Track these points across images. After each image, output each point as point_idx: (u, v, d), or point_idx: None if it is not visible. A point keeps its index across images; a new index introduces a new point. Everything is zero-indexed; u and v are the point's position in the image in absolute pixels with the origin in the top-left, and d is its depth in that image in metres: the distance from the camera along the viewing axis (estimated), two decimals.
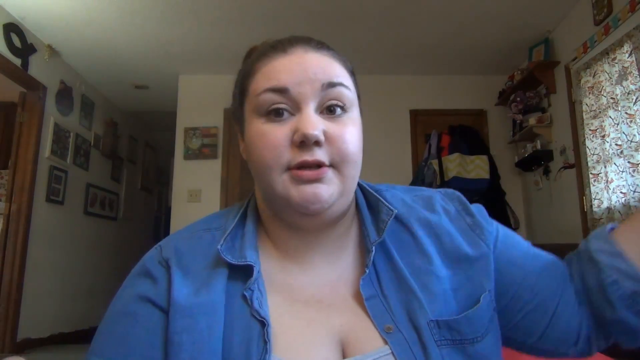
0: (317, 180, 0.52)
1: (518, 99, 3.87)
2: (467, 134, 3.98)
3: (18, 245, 3.50)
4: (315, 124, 0.52)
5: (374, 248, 0.57)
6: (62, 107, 4.03)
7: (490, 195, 3.75)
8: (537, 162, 3.84)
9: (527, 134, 3.84)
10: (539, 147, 3.71)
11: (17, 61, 3.46)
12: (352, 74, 0.61)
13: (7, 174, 3.88)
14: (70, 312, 4.18)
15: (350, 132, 0.55)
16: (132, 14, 3.37)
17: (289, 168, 0.53)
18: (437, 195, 0.65)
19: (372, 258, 0.57)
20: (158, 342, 0.52)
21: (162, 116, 5.36)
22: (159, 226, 6.60)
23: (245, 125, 0.58)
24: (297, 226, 0.58)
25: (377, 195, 0.62)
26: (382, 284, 0.56)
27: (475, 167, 3.76)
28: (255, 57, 0.59)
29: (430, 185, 3.88)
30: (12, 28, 3.41)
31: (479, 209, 0.64)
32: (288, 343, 0.52)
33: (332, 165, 0.53)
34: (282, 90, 0.54)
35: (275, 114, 0.54)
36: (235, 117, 0.62)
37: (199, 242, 0.59)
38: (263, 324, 0.51)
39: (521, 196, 4.20)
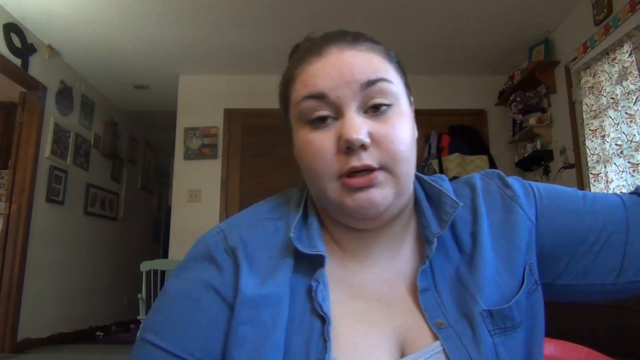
0: (370, 185, 0.51)
1: (518, 99, 3.87)
2: (467, 134, 3.98)
3: (18, 245, 3.50)
4: (358, 127, 0.51)
5: (435, 240, 0.56)
6: (62, 107, 4.03)
7: None
8: (537, 162, 3.84)
9: (527, 134, 3.84)
10: (539, 147, 3.71)
11: (17, 61, 3.46)
12: (397, 62, 0.58)
13: (7, 174, 3.88)
14: (70, 312, 4.18)
15: (398, 129, 0.53)
16: (132, 14, 3.37)
17: (339, 176, 0.52)
18: (477, 176, 0.64)
19: (433, 250, 0.55)
20: (218, 334, 0.51)
21: (162, 116, 5.36)
22: (159, 226, 6.61)
23: (292, 132, 0.58)
24: (355, 228, 0.57)
25: (439, 187, 0.61)
26: (436, 278, 0.55)
27: (475, 167, 3.76)
28: (293, 62, 0.58)
29: None
30: (12, 28, 3.41)
31: (517, 181, 0.63)
32: (348, 344, 0.51)
33: (382, 168, 0.52)
34: (320, 96, 0.53)
35: (318, 121, 0.53)
36: (284, 123, 0.62)
37: (263, 232, 0.57)
38: (324, 320, 0.50)
39: None
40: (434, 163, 3.85)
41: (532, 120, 3.73)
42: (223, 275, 0.53)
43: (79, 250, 4.36)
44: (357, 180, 0.51)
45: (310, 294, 0.52)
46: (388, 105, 0.53)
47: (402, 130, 0.53)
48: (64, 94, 4.07)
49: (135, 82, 4.56)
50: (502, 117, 4.28)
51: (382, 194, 0.52)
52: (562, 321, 1.23)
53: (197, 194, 4.16)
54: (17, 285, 3.47)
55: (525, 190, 0.61)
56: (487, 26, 3.57)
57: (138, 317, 3.71)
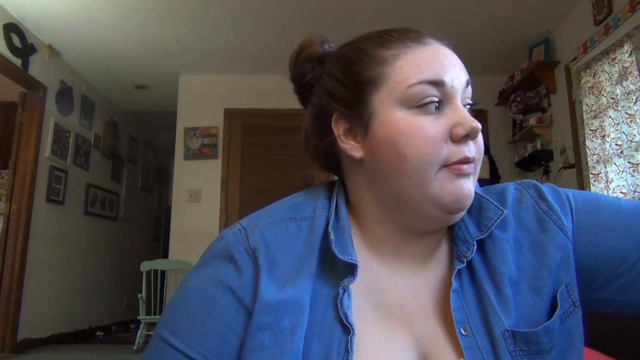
0: (467, 175, 0.52)
1: (518, 99, 3.87)
2: None
3: (18, 245, 3.50)
4: (472, 118, 0.52)
5: (475, 242, 0.54)
6: (62, 107, 4.03)
7: None
8: (537, 162, 3.84)
9: (527, 134, 3.84)
10: (539, 147, 3.71)
11: (17, 61, 3.46)
12: None
13: (7, 174, 3.88)
14: (70, 312, 4.18)
15: None
16: (132, 14, 3.37)
17: (446, 164, 0.51)
18: (511, 186, 0.61)
19: (474, 251, 0.54)
20: (233, 338, 0.50)
21: (162, 116, 5.36)
22: (159, 226, 6.60)
23: (374, 117, 0.54)
24: (415, 228, 0.55)
25: (478, 194, 0.58)
26: (463, 283, 0.54)
27: None
28: (378, 43, 0.56)
29: None
30: (12, 28, 3.42)
31: (552, 190, 0.59)
32: (368, 354, 0.50)
33: (473, 161, 0.53)
34: (438, 83, 0.52)
35: (430, 106, 0.52)
36: (347, 109, 0.56)
37: (286, 233, 0.54)
38: (348, 330, 0.49)
39: None
40: None
41: (532, 120, 3.73)
42: (242, 276, 0.51)
43: (79, 250, 4.36)
44: (464, 167, 0.51)
45: (334, 301, 0.51)
46: (472, 105, 0.57)
47: None
48: (64, 94, 4.08)
49: (135, 82, 4.56)
50: (502, 117, 4.28)
51: (472, 185, 0.53)
52: None
53: (197, 194, 4.16)
54: (17, 285, 3.47)
55: (561, 203, 0.58)
56: (487, 26, 3.57)
57: (138, 317, 3.71)
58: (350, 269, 0.52)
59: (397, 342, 0.51)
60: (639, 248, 0.54)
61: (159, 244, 6.56)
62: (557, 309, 0.52)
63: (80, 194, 4.38)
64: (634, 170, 2.67)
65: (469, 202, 0.52)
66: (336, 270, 0.52)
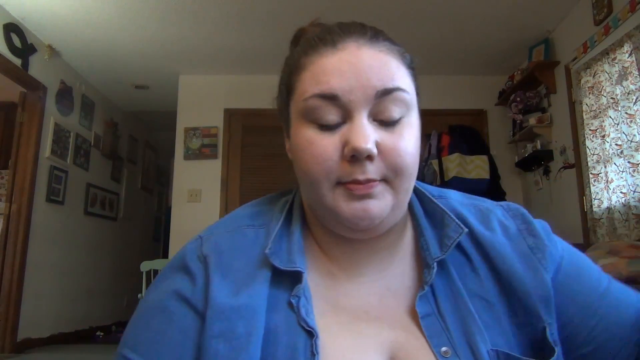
0: (368, 195, 0.48)
1: (518, 99, 3.87)
2: (467, 134, 3.98)
3: (18, 245, 3.50)
4: (367, 136, 0.47)
5: (435, 264, 0.52)
6: (62, 107, 4.03)
7: (490, 196, 3.72)
8: (537, 162, 3.84)
9: (527, 134, 3.84)
10: (539, 147, 3.71)
11: (17, 61, 3.46)
12: (412, 67, 0.54)
13: (7, 174, 3.88)
14: (70, 312, 4.18)
15: (406, 141, 0.50)
16: (132, 14, 3.37)
17: (338, 182, 0.49)
18: (499, 210, 0.59)
19: (433, 276, 0.52)
20: (191, 345, 0.49)
21: (162, 116, 5.36)
22: (159, 226, 6.60)
23: (291, 126, 0.54)
24: (345, 236, 0.54)
25: (442, 207, 0.57)
26: (439, 302, 0.52)
27: (475, 167, 3.76)
28: (303, 49, 0.53)
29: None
30: (12, 28, 3.41)
31: (544, 228, 0.57)
32: (335, 356, 0.48)
33: (384, 179, 0.49)
34: (331, 97, 0.48)
35: (323, 119, 0.49)
36: (281, 113, 0.57)
37: (242, 239, 0.54)
38: (311, 334, 0.48)
39: (521, 196, 4.20)
40: (434, 163, 3.85)
41: (532, 120, 3.73)
42: (195, 284, 0.51)
43: (79, 250, 4.36)
44: (357, 187, 0.48)
45: (293, 308, 0.50)
46: (400, 116, 0.50)
47: (410, 143, 0.50)
48: (64, 94, 4.07)
49: (135, 82, 4.56)
50: (502, 117, 4.28)
51: (379, 206, 0.49)
52: None
53: (197, 194, 4.17)
54: (17, 285, 3.47)
55: (551, 248, 0.55)
56: (487, 26, 3.57)
57: None
58: (297, 276, 0.51)
59: (363, 343, 0.50)
60: (590, 335, 0.53)
61: (159, 244, 6.56)
62: (555, 353, 0.50)
63: (80, 194, 4.38)
64: (634, 170, 2.67)
65: (368, 222, 0.49)
66: (291, 276, 0.52)
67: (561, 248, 0.57)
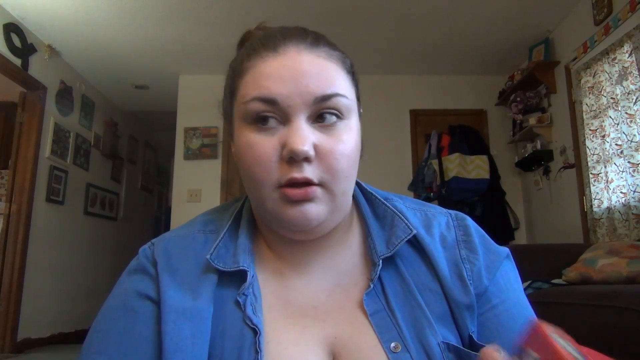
0: (306, 199, 0.49)
1: (518, 99, 3.87)
2: (467, 134, 3.98)
3: (18, 245, 3.50)
4: (304, 138, 0.48)
5: (380, 262, 0.54)
6: (62, 107, 4.03)
7: (490, 196, 3.76)
8: (537, 162, 3.84)
9: (527, 134, 3.84)
10: (539, 147, 3.71)
11: (17, 61, 3.46)
12: (352, 72, 0.56)
13: (7, 174, 3.88)
14: (70, 312, 4.18)
15: (344, 144, 0.51)
16: (132, 14, 3.37)
17: (279, 185, 0.50)
18: (444, 218, 0.60)
19: (378, 272, 0.54)
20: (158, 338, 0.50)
21: (162, 116, 5.36)
22: (159, 226, 6.60)
23: (234, 128, 0.55)
24: (288, 237, 0.56)
25: (392, 208, 0.59)
26: (389, 297, 0.53)
27: (475, 167, 3.77)
28: (246, 52, 0.54)
29: (430, 185, 3.89)
30: (12, 28, 3.41)
31: (486, 245, 0.58)
32: (279, 350, 0.50)
33: (321, 184, 0.50)
34: (270, 102, 0.50)
35: (262, 122, 0.50)
36: (226, 116, 0.58)
37: (192, 244, 0.56)
38: (255, 332, 0.49)
39: (521, 196, 4.20)
40: (434, 163, 3.85)
41: (532, 120, 3.73)
42: (153, 282, 0.54)
43: (79, 250, 4.36)
44: (294, 192, 0.49)
45: (240, 306, 0.52)
46: (339, 118, 0.52)
47: (347, 146, 0.51)
48: (64, 94, 4.07)
49: (135, 82, 4.56)
50: (502, 117, 4.28)
51: (316, 210, 0.50)
52: (562, 321, 1.22)
53: (197, 194, 4.17)
54: (17, 285, 3.46)
55: (481, 268, 0.56)
56: (487, 26, 3.57)
57: None
58: (242, 276, 0.53)
59: (307, 337, 0.51)
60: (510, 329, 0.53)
61: None
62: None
63: (80, 194, 4.38)
64: (634, 170, 2.67)
65: (308, 225, 0.51)
66: (237, 277, 0.53)
67: (496, 272, 0.56)
